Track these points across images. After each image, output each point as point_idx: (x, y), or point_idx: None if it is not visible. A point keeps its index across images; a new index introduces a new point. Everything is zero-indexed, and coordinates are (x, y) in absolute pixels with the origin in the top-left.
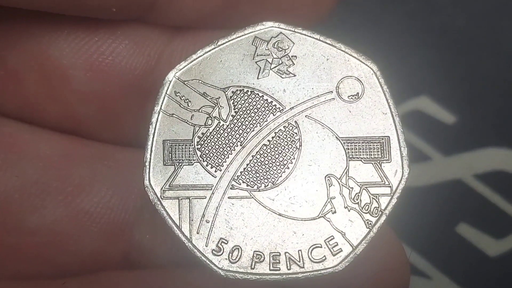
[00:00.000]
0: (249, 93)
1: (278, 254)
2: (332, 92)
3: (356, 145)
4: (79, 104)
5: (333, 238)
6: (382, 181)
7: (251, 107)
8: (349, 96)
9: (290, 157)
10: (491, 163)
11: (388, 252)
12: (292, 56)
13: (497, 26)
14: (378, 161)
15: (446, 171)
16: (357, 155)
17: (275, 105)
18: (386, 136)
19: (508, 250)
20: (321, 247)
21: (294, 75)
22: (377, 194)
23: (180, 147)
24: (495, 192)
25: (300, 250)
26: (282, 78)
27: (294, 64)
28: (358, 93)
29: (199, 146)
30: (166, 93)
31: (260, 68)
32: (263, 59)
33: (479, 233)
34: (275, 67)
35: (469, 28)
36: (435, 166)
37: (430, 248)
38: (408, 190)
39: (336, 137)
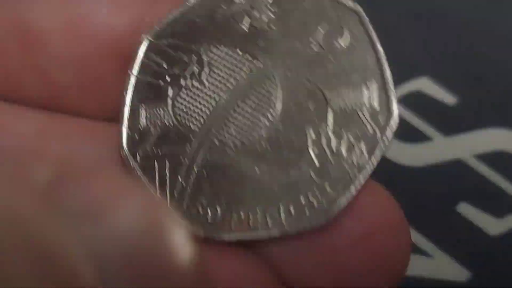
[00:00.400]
0: (222, 50)
1: None
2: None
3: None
4: (58, 71)
5: None
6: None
7: (225, 64)
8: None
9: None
10: (492, 144)
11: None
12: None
13: (498, 5)
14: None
15: (446, 151)
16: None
17: (252, 60)
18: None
19: (508, 229)
20: None
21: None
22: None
23: (156, 110)
24: (496, 172)
25: None
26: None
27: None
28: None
29: (175, 109)
30: (139, 56)
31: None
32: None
33: (480, 212)
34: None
35: (469, 9)
36: (436, 146)
37: (431, 227)
38: (408, 170)
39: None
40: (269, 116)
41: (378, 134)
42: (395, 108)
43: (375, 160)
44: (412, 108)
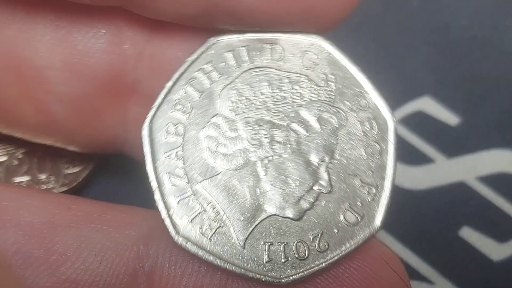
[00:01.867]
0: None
1: None
2: None
3: None
4: (56, 104)
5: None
6: None
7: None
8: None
9: None
10: (495, 165)
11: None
12: None
13: (500, 25)
14: None
15: (449, 174)
16: None
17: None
18: None
19: None
20: None
21: None
22: None
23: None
24: (499, 195)
25: None
26: None
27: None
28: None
29: None
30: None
31: None
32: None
33: (483, 237)
34: None
35: (472, 27)
36: (438, 169)
37: (432, 252)
38: (410, 194)
39: None
40: None
41: None
42: None
43: None
44: (414, 129)
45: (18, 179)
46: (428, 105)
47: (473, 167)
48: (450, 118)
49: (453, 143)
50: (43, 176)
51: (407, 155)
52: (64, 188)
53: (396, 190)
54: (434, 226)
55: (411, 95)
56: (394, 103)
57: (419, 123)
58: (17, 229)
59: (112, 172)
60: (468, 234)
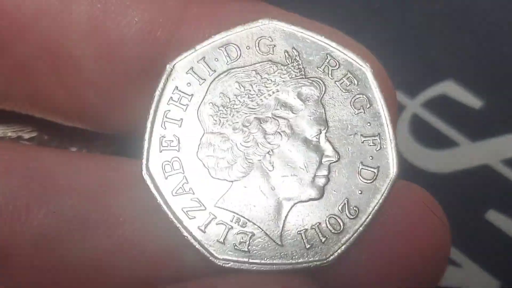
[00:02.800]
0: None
1: None
2: None
3: None
4: (89, 91)
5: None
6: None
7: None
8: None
9: None
10: None
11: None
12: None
13: None
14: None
15: (473, 157)
16: None
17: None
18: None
19: None
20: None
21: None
22: None
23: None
24: None
25: None
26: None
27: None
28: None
29: None
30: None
31: None
32: None
33: (509, 219)
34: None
35: (494, 10)
36: (463, 152)
37: (459, 236)
38: (435, 177)
39: None
40: None
41: None
42: None
43: None
44: (438, 112)
45: None
46: (451, 88)
47: (497, 150)
48: (473, 101)
49: (477, 126)
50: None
51: (432, 139)
52: None
53: (421, 174)
54: (460, 210)
55: (434, 79)
56: (417, 87)
57: (442, 107)
58: (71, 194)
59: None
60: (495, 217)
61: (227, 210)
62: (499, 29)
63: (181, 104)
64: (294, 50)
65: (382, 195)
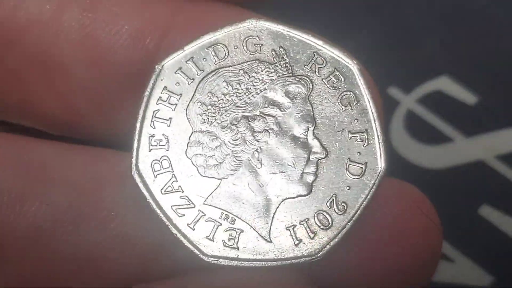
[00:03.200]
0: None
1: None
2: None
3: None
4: (80, 99)
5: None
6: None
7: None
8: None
9: None
10: None
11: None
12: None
13: None
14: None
15: (468, 153)
16: None
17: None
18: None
19: None
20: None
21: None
22: None
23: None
24: None
25: None
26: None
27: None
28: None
29: None
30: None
31: None
32: None
33: (502, 215)
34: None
35: (490, 6)
36: (457, 148)
37: (452, 231)
38: (429, 172)
39: None
40: None
41: None
42: None
43: None
44: (433, 108)
45: None
46: (446, 84)
47: (492, 146)
48: (468, 97)
49: (471, 122)
50: None
51: (426, 134)
52: None
53: (416, 170)
54: (454, 205)
55: (428, 75)
56: (412, 83)
57: (437, 102)
58: (65, 187)
59: None
60: (488, 212)
61: (216, 207)
62: (494, 25)
63: (170, 103)
64: (281, 49)
65: (370, 190)
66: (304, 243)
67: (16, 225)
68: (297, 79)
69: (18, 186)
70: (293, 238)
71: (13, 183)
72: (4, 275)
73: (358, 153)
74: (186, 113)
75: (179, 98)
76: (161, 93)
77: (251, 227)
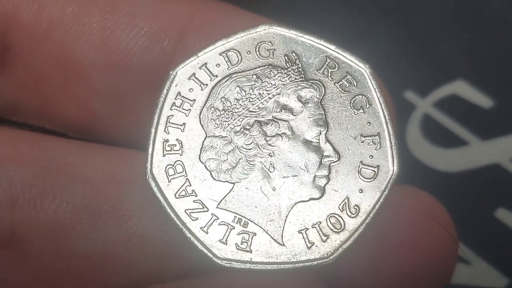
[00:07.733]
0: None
1: None
2: None
3: None
4: (98, 102)
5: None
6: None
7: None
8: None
9: None
10: None
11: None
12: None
13: None
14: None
15: (483, 156)
16: None
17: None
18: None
19: None
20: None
21: None
22: None
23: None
24: None
25: None
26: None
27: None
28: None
29: None
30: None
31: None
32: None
33: None
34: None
35: (504, 10)
36: (473, 151)
37: (468, 233)
38: (446, 176)
39: None
40: None
41: None
42: None
43: None
44: (449, 112)
45: None
46: (461, 88)
47: (507, 149)
48: (483, 100)
49: (487, 125)
50: None
51: (442, 137)
52: None
53: (431, 173)
54: (470, 208)
55: (444, 79)
56: (428, 87)
57: (453, 106)
58: (84, 185)
59: None
60: (504, 215)
61: (229, 211)
62: (509, 29)
63: (184, 109)
64: (293, 54)
65: (382, 193)
66: (316, 246)
67: (37, 221)
68: (309, 83)
69: (39, 184)
70: (305, 241)
71: (34, 181)
72: (24, 270)
73: (370, 157)
74: (199, 118)
75: (193, 104)
76: (175, 99)
77: (264, 230)
